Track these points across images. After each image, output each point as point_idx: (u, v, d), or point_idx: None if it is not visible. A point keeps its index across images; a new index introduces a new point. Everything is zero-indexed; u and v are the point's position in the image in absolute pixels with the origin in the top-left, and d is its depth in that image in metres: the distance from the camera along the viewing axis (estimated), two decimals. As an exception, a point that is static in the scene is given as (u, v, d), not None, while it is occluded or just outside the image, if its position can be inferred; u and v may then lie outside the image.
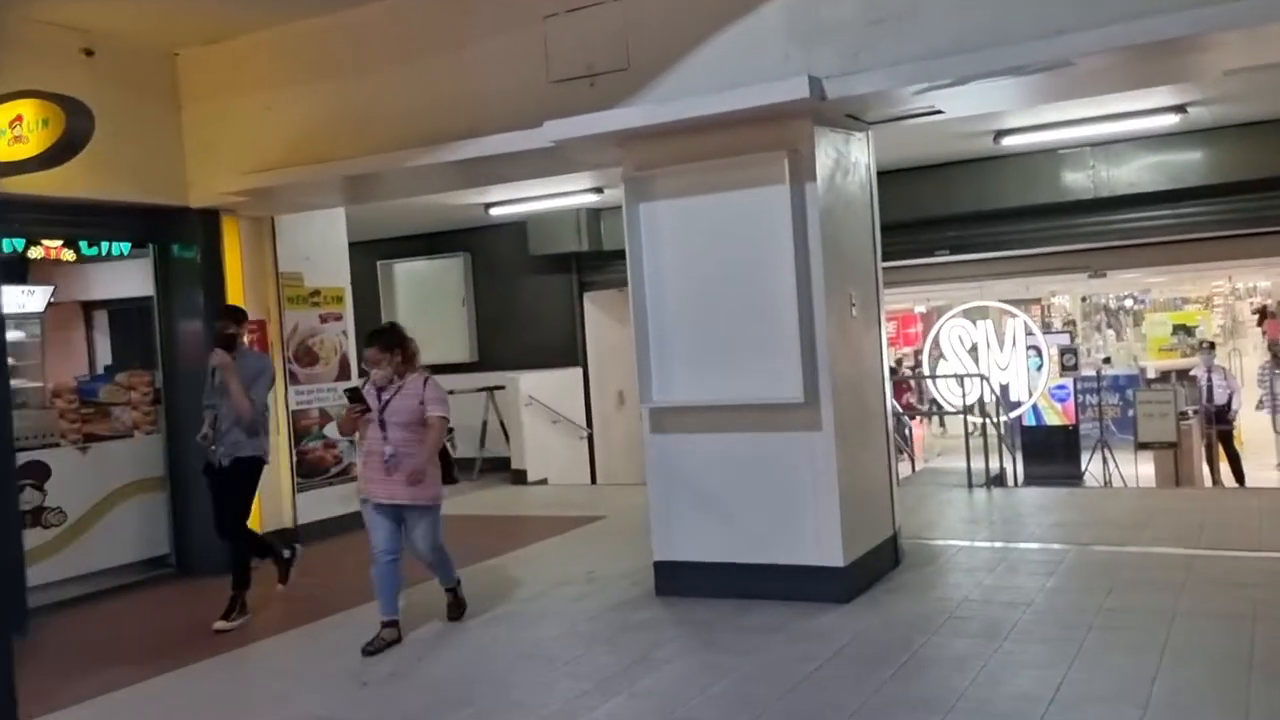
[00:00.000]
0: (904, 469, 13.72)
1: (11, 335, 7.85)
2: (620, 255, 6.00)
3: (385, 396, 5.35)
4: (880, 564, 6.02)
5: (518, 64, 6.10)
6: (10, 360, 7.14)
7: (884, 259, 6.45)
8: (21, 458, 6.50)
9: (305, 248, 8.62)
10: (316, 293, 8.74)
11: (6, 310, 7.00)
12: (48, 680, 5.13)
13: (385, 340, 5.38)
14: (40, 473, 6.76)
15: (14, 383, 7.32)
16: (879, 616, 5.31)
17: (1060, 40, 4.68)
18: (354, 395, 5.39)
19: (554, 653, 5.11)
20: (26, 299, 8.48)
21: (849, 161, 5.96)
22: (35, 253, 7.10)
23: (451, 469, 5.74)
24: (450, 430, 5.85)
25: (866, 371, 6.09)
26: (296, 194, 7.49)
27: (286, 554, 6.47)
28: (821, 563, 5.53)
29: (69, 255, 7.30)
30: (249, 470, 6.05)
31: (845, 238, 5.85)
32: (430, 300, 13.20)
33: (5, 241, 6.70)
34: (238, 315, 6.34)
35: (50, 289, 8.67)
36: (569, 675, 4.76)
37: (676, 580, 5.89)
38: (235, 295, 7.86)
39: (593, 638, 5.33)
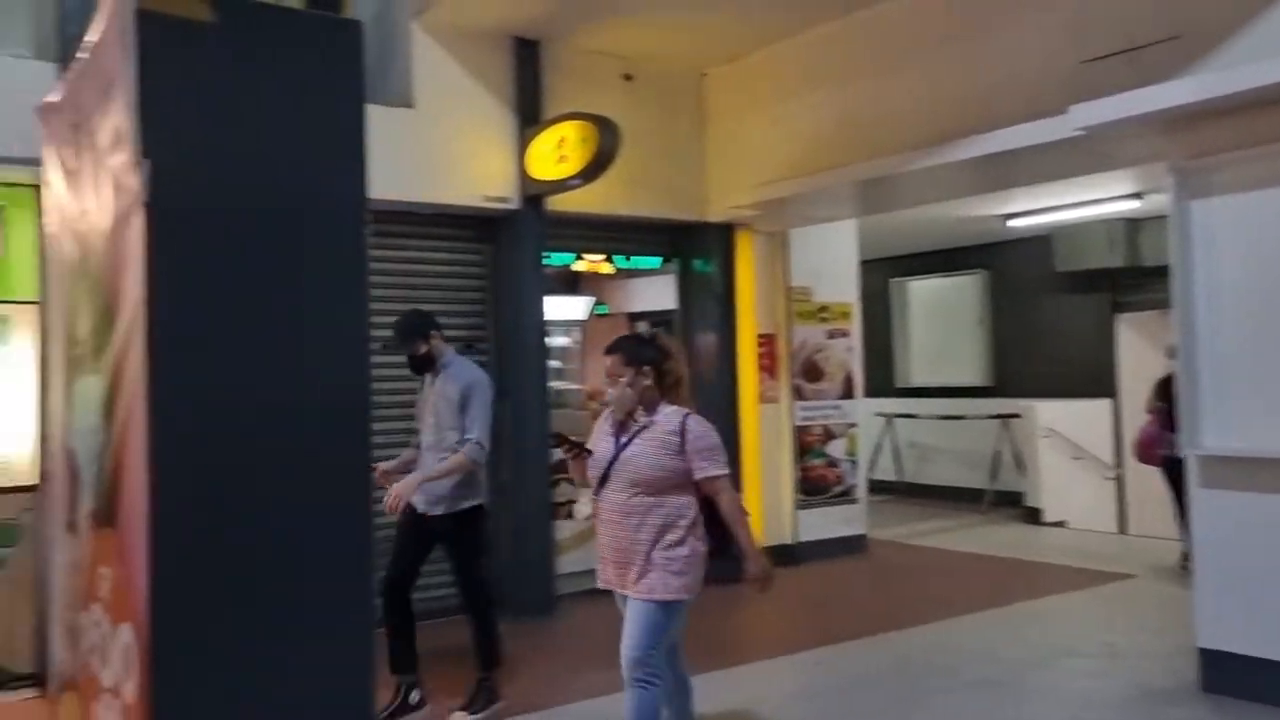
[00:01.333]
0: None
1: (559, 341, 8.81)
2: (1162, 272, 5.00)
3: (625, 436, 3.68)
4: None
5: (1041, 45, 5.42)
6: (555, 363, 7.99)
7: None
8: (557, 453, 7.16)
9: (815, 262, 8.62)
10: (824, 308, 8.68)
11: (557, 317, 7.84)
12: (563, 669, 5.43)
13: (630, 352, 3.69)
14: (574, 468, 7.42)
15: (557, 384, 8.18)
16: None
17: None
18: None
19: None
20: (572, 308, 9.47)
21: None
22: (579, 266, 7.85)
23: (729, 543, 3.66)
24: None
25: None
26: (805, 205, 7.45)
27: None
28: None
29: (607, 269, 7.97)
30: (469, 522, 4.72)
31: None
32: (944, 319, 12.63)
33: (555, 255, 7.47)
34: (420, 327, 4.71)
35: (590, 299, 9.60)
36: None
37: (1230, 676, 4.73)
38: (746, 309, 8.10)
39: (1104, 732, 4.46)
